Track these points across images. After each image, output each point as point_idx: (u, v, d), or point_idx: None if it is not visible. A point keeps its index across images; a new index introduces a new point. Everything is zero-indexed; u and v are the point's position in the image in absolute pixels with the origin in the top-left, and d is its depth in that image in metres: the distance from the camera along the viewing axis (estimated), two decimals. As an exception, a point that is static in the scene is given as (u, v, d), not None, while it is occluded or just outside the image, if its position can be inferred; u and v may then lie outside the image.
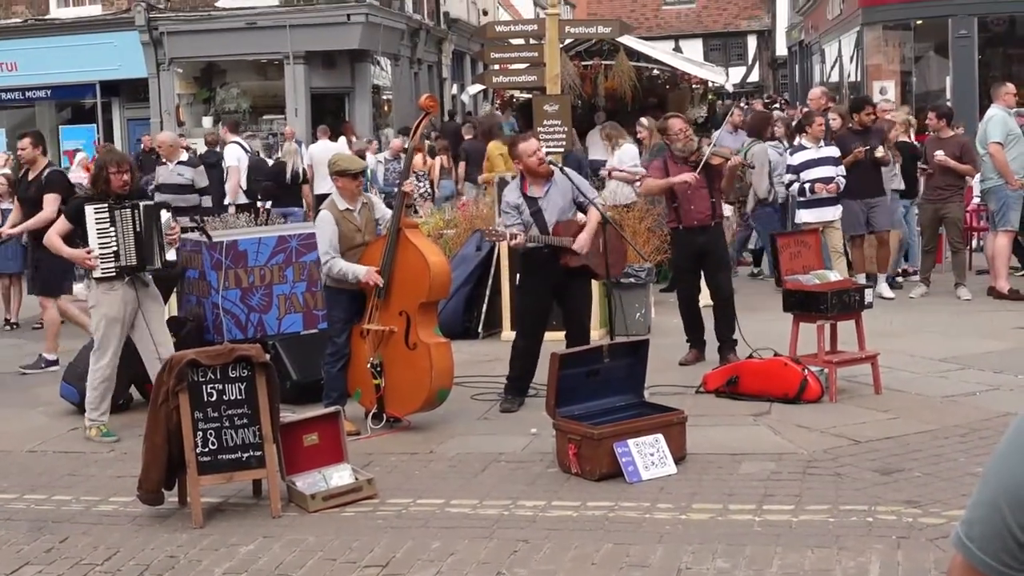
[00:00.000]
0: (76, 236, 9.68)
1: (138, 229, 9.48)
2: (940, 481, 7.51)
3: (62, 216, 10.07)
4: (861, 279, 13.54)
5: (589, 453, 7.86)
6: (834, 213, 14.07)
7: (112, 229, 9.42)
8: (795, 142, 15.03)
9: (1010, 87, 14.96)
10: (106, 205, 9.46)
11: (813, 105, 17.32)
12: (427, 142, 23.51)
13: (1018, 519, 1.84)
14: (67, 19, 31.82)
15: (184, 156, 16.67)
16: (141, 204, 9.68)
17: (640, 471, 7.79)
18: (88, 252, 9.43)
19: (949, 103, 23.38)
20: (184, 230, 10.43)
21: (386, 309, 9.39)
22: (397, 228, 9.37)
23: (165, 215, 9.89)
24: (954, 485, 7.32)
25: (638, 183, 14.37)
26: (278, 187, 19.08)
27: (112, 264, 9.43)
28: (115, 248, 9.41)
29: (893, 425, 8.94)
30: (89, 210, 9.47)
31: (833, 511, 7.04)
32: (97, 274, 9.45)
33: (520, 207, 9.86)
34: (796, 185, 13.97)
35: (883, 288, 14.42)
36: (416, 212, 16.30)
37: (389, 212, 9.70)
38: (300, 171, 19.21)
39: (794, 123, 16.75)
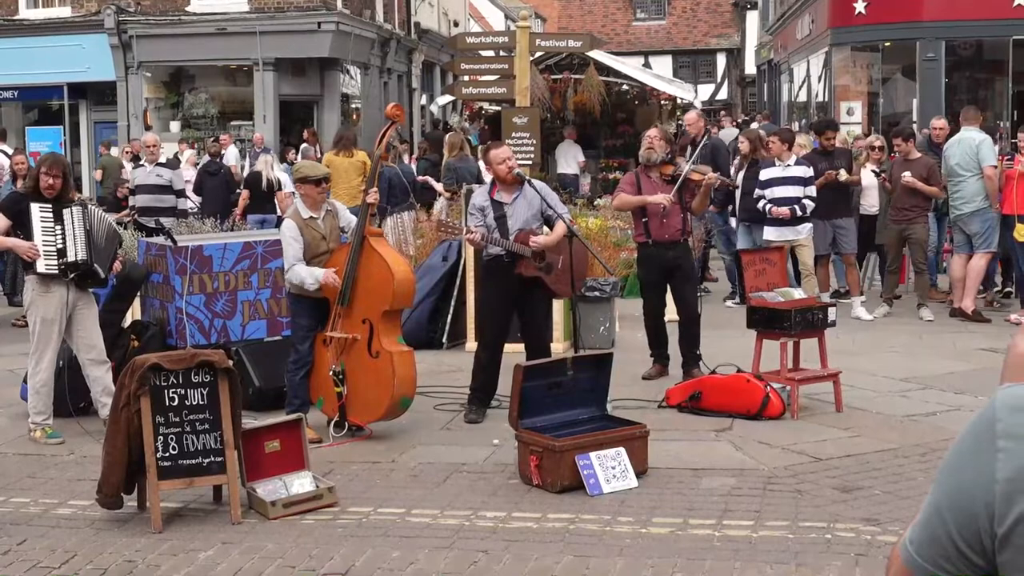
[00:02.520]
0: (18, 233, 9.50)
1: (88, 227, 9.44)
2: (899, 499, 7.55)
3: None
4: (825, 297, 13.59)
5: (551, 465, 7.87)
6: (796, 233, 14.06)
7: (58, 227, 9.37)
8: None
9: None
10: (50, 204, 9.41)
11: (691, 130, 16.96)
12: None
13: (959, 526, 1.87)
14: (36, 20, 31.63)
15: (163, 158, 16.95)
16: (98, 210, 9.70)
17: (601, 484, 7.81)
18: (32, 245, 9.35)
19: (915, 125, 23.52)
20: (150, 233, 10.38)
21: (349, 317, 9.38)
22: (362, 236, 9.36)
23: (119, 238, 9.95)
24: (913, 504, 7.35)
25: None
26: (254, 196, 19.31)
27: (55, 261, 9.36)
28: (59, 246, 9.36)
29: (854, 443, 8.98)
30: (34, 207, 9.41)
31: (792, 527, 7.07)
32: (40, 268, 9.35)
33: (485, 209, 9.88)
34: (762, 203, 13.99)
35: (860, 311, 14.49)
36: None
37: (354, 219, 9.69)
38: (275, 180, 19.39)
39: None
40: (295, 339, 9.68)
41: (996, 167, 14.36)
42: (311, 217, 9.50)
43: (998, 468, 1.84)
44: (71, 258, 9.38)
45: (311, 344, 9.53)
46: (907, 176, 14.38)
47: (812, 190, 14.00)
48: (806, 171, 14.12)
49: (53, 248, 9.35)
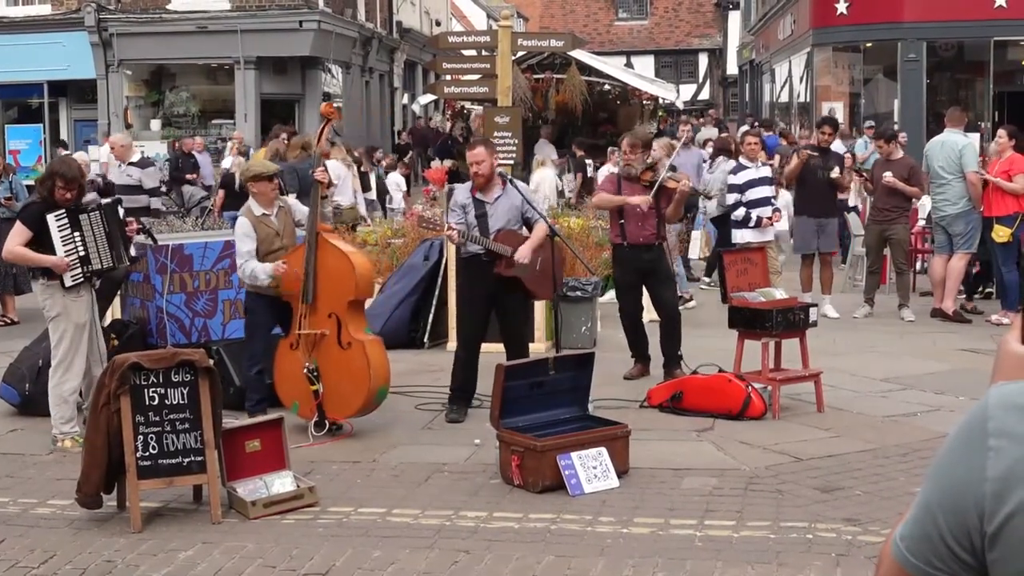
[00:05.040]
0: (33, 244, 9.20)
1: (107, 229, 9.30)
2: (880, 500, 7.56)
3: (18, 224, 9.45)
4: (806, 298, 13.61)
5: (532, 465, 7.86)
6: (773, 233, 14.24)
7: (76, 235, 9.14)
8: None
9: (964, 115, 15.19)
10: (64, 211, 9.16)
11: (474, 125, 17.30)
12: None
13: (949, 523, 1.86)
14: (16, 18, 31.53)
15: (136, 157, 16.93)
16: (103, 204, 9.57)
17: (583, 484, 7.80)
18: (62, 259, 9.07)
19: (896, 126, 23.59)
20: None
21: (314, 314, 9.37)
22: (315, 232, 9.36)
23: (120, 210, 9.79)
24: (893, 504, 7.37)
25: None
26: (229, 194, 19.50)
27: (79, 271, 9.15)
28: (82, 253, 9.16)
29: (834, 443, 8.99)
30: (50, 219, 9.14)
31: (774, 527, 7.07)
32: (68, 282, 9.11)
33: (467, 207, 9.86)
34: (742, 210, 13.99)
35: (828, 309, 14.52)
36: (338, 211, 16.19)
37: (307, 210, 9.68)
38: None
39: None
40: (247, 335, 9.73)
41: (979, 172, 14.37)
42: (264, 214, 9.56)
43: (989, 466, 1.84)
44: (96, 266, 9.21)
45: (265, 341, 9.61)
46: (888, 176, 14.42)
47: (774, 189, 14.34)
48: (769, 171, 14.42)
49: (76, 257, 9.13)
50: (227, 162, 23.62)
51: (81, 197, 9.49)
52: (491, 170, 9.90)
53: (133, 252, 9.92)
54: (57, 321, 9.24)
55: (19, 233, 9.29)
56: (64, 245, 9.14)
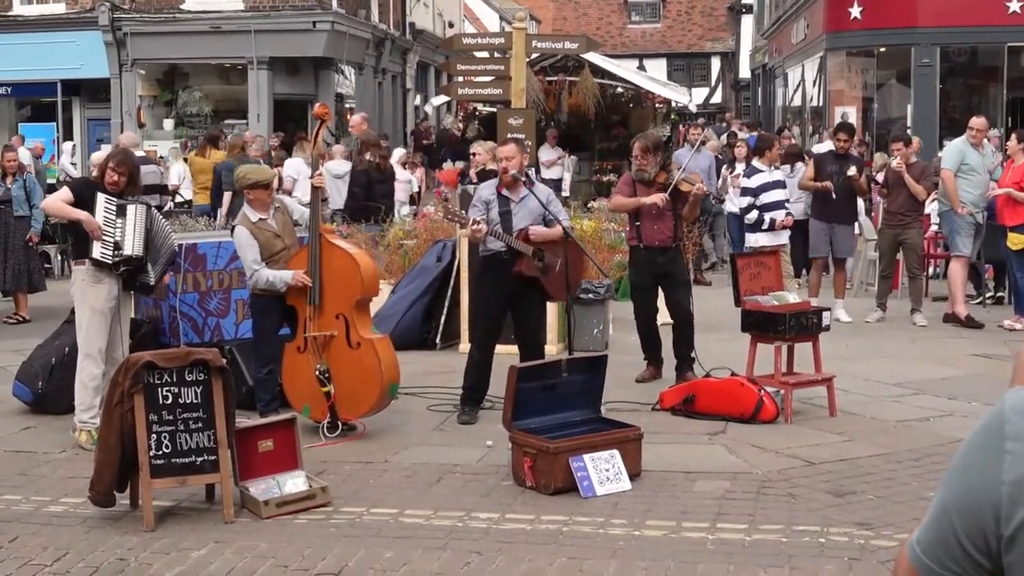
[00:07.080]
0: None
1: (148, 227, 9.41)
2: (892, 504, 7.55)
3: (64, 187, 9.84)
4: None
5: (544, 467, 7.86)
6: (787, 236, 14.27)
7: (119, 221, 9.28)
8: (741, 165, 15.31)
9: (974, 122, 15.02)
10: (115, 200, 9.34)
11: (354, 131, 17.50)
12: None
13: (965, 526, 1.87)
14: (30, 16, 31.59)
15: (140, 153, 17.16)
16: (160, 216, 9.77)
17: (595, 486, 7.80)
18: (99, 225, 9.23)
19: (910, 131, 23.57)
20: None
21: (322, 315, 9.39)
22: (318, 234, 9.39)
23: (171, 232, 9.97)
24: (906, 508, 7.37)
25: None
26: (236, 194, 19.50)
27: (110, 252, 9.25)
28: (118, 239, 9.27)
29: (847, 448, 8.99)
30: (101, 197, 9.31)
31: (786, 531, 7.07)
32: (95, 253, 9.22)
33: (490, 203, 9.86)
34: (755, 213, 13.95)
35: (840, 313, 14.50)
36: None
37: (306, 211, 9.71)
38: None
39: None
40: (256, 337, 9.78)
41: (951, 171, 14.46)
42: (260, 219, 9.57)
43: (1005, 470, 1.84)
44: (127, 252, 9.30)
45: (274, 342, 9.63)
46: (895, 163, 14.46)
47: (787, 192, 14.38)
48: (782, 174, 14.50)
49: (111, 240, 9.27)
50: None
51: (131, 187, 9.58)
52: (520, 168, 9.94)
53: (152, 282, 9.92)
54: (77, 304, 9.43)
55: (62, 193, 9.67)
56: (104, 227, 9.26)
